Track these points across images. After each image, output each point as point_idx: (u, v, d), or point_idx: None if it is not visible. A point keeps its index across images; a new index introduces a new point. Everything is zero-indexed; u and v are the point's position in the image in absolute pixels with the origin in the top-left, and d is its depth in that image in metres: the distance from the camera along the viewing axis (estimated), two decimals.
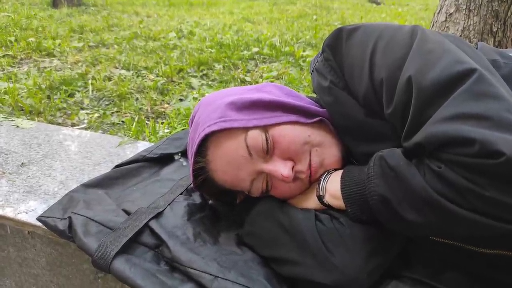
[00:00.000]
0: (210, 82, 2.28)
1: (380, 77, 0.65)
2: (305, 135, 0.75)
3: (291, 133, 0.74)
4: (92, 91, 2.05)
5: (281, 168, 0.72)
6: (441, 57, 0.59)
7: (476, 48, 0.74)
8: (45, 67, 2.48)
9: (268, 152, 0.73)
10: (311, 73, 0.83)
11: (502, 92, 0.55)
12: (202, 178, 0.80)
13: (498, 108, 0.52)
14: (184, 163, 1.12)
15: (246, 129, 0.73)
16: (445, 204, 0.54)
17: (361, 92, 0.69)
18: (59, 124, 1.65)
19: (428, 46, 0.63)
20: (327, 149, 0.76)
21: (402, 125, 0.61)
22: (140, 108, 1.84)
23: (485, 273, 0.69)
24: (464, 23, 1.91)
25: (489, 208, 0.52)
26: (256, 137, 0.73)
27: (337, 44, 0.73)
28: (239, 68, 2.53)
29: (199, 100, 1.94)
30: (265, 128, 0.74)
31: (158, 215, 0.85)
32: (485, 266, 0.68)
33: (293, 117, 0.76)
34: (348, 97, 0.73)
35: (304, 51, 2.91)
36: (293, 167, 0.73)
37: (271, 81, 2.27)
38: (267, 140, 0.72)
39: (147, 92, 2.03)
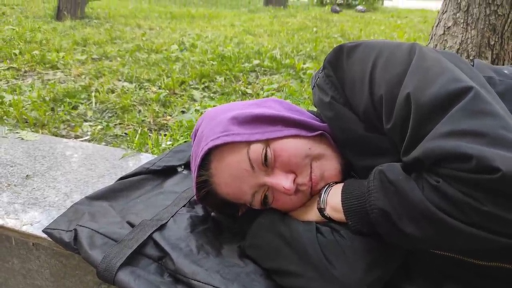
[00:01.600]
0: (211, 95, 2.31)
1: (379, 93, 0.67)
2: (306, 148, 0.76)
3: (293, 147, 0.76)
4: (95, 103, 2.08)
5: (283, 181, 0.74)
6: (439, 75, 0.61)
7: (472, 65, 0.76)
8: (49, 80, 2.51)
9: (269, 165, 0.75)
10: (313, 89, 0.85)
11: (497, 109, 0.57)
12: (205, 191, 0.81)
13: (494, 125, 0.54)
14: (187, 175, 1.14)
15: (249, 143, 0.75)
16: (443, 217, 0.55)
17: (361, 107, 0.71)
18: (63, 136, 1.67)
19: (426, 64, 0.65)
20: (328, 162, 0.78)
21: (401, 140, 0.63)
22: (142, 120, 1.86)
23: (484, 285, 0.70)
24: (462, 36, 1.94)
25: (486, 222, 0.53)
26: (258, 150, 0.74)
27: (338, 60, 0.76)
28: (240, 81, 2.56)
29: (201, 112, 1.96)
30: (267, 142, 0.75)
31: (161, 227, 0.86)
32: (484, 279, 0.69)
33: (294, 131, 0.77)
34: (349, 112, 0.75)
35: (304, 63, 2.95)
36: (294, 179, 0.75)
37: (272, 93, 2.29)
38: (268, 153, 0.74)
39: (149, 104, 2.06)
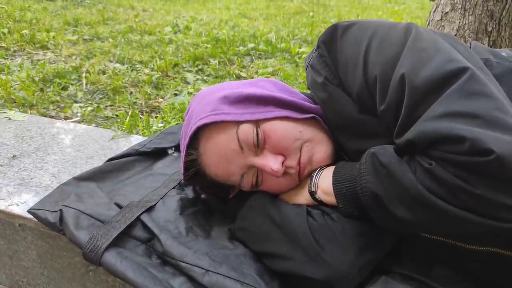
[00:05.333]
0: (205, 77, 2.27)
1: (373, 75, 0.65)
2: (296, 131, 0.75)
3: (283, 128, 0.74)
4: (86, 84, 2.04)
5: (271, 162, 0.73)
6: (434, 56, 0.60)
7: (470, 47, 0.74)
8: (38, 60, 2.45)
9: (259, 146, 0.73)
10: (306, 69, 0.83)
11: (493, 91, 0.55)
12: (194, 171, 0.80)
13: (489, 106, 0.53)
14: (178, 158, 1.12)
15: (238, 123, 0.73)
16: (435, 201, 0.54)
17: (355, 89, 0.69)
18: (52, 117, 1.64)
19: (421, 44, 0.63)
20: (318, 146, 0.77)
21: (395, 122, 0.62)
22: (134, 102, 1.83)
23: (475, 270, 0.70)
24: (460, 22, 1.92)
25: (478, 205, 0.52)
26: (247, 131, 0.73)
27: (332, 40, 0.74)
28: (234, 64, 2.52)
29: (194, 95, 1.93)
30: (256, 122, 0.74)
31: (150, 209, 0.85)
32: (474, 263, 0.69)
33: (285, 112, 0.76)
34: (342, 94, 0.73)
35: (300, 47, 2.91)
36: (283, 161, 0.74)
37: (267, 77, 2.26)
38: (258, 134, 0.73)
39: (141, 86, 2.02)
